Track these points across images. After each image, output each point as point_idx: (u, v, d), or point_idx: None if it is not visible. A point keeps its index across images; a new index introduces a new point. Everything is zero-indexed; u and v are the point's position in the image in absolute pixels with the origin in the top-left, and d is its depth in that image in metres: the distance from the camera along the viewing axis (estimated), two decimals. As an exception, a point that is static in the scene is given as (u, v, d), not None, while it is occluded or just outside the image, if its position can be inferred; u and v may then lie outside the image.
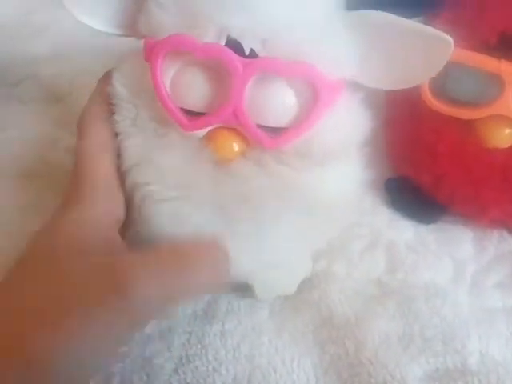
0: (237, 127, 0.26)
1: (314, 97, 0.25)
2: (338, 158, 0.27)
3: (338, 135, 0.26)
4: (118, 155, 0.27)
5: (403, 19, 0.26)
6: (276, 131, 0.26)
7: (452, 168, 0.33)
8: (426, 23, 0.33)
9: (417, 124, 0.34)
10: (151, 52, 0.25)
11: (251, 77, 0.24)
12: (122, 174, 0.26)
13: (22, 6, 0.50)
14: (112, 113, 0.27)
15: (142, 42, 0.26)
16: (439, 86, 0.32)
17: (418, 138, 0.34)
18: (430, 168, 0.34)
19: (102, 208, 0.25)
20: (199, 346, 0.30)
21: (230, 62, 0.24)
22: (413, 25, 0.26)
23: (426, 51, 0.26)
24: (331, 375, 0.29)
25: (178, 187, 0.26)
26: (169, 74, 0.25)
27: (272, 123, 0.25)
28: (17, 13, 0.50)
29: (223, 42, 0.25)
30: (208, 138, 0.26)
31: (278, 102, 0.25)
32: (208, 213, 0.26)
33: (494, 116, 0.31)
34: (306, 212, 0.27)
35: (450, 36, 0.25)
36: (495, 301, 0.32)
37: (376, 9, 0.33)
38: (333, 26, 0.26)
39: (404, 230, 0.36)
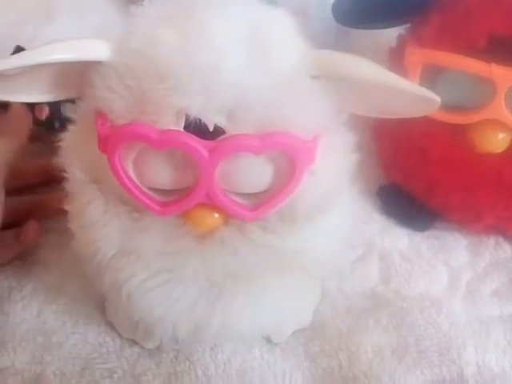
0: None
1: (291, 162, 0.23)
2: (323, 211, 0.25)
3: (320, 190, 0.24)
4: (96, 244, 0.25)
5: (373, 66, 0.23)
6: (255, 194, 0.24)
7: (444, 174, 0.33)
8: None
9: (408, 129, 0.33)
10: (106, 144, 0.22)
11: (219, 162, 0.22)
12: (101, 264, 0.25)
13: (9, 17, 0.50)
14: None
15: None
16: (430, 90, 0.31)
17: (409, 144, 0.33)
18: (422, 174, 0.33)
19: None
20: (187, 363, 0.29)
21: (193, 151, 0.21)
22: (391, 79, 0.23)
23: (408, 105, 0.24)
24: (324, 389, 0.29)
25: (165, 271, 0.24)
26: (129, 157, 0.23)
27: (249, 191, 0.24)
28: (4, 24, 0.49)
29: (182, 124, 0.22)
30: (185, 214, 0.24)
31: (252, 173, 0.23)
32: (199, 288, 0.25)
33: (486, 120, 0.30)
34: (296, 273, 0.26)
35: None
36: (492, 309, 0.32)
37: (364, 18, 0.33)
38: (300, 79, 0.23)
39: (398, 239, 0.35)
